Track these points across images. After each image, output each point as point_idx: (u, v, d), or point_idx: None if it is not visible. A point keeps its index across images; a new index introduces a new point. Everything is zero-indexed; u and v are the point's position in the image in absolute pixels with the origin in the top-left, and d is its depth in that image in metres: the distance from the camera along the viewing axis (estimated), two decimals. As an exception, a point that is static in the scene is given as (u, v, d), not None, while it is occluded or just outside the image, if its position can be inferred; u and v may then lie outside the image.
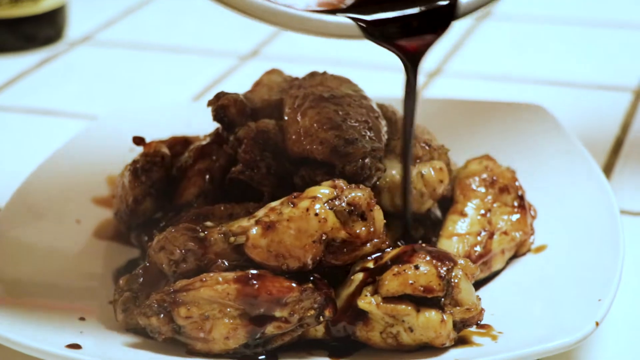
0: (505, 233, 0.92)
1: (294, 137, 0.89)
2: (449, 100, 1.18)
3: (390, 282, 0.80)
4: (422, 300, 0.80)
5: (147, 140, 0.97)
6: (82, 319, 0.87)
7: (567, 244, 0.92)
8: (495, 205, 0.94)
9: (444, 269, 0.80)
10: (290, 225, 0.81)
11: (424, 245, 0.84)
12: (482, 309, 0.82)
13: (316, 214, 0.81)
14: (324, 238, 0.81)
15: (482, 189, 0.94)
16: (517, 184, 0.96)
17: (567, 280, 0.87)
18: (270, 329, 0.81)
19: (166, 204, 0.94)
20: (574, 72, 1.41)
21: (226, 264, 0.82)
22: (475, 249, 0.91)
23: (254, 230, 0.82)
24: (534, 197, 0.98)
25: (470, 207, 0.93)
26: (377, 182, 0.88)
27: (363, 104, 0.90)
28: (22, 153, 1.24)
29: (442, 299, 0.80)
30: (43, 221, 0.99)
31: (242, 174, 0.89)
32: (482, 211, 0.93)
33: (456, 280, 0.81)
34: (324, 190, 0.82)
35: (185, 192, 0.93)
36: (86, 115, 1.31)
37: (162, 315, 0.82)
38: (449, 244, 0.91)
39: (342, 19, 0.82)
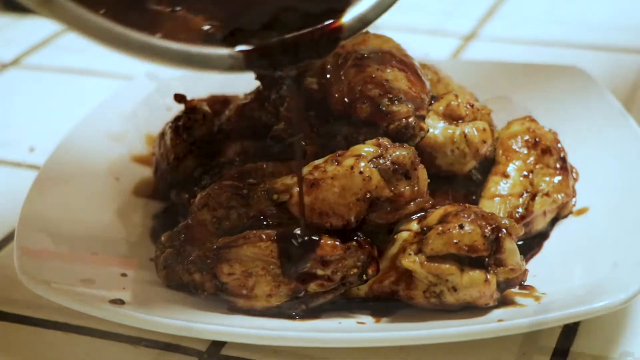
0: (547, 195, 0.92)
1: (336, 95, 0.88)
2: (488, 63, 1.17)
3: (435, 241, 0.80)
4: (466, 260, 0.80)
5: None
6: (123, 275, 0.87)
7: (609, 206, 0.92)
8: (537, 166, 0.93)
9: (489, 228, 0.80)
10: (334, 183, 0.81)
11: (468, 205, 0.83)
12: (526, 270, 0.82)
13: (360, 172, 0.81)
14: (368, 196, 0.81)
15: (525, 150, 0.94)
16: (559, 145, 0.95)
17: (609, 242, 0.87)
18: (312, 287, 0.81)
19: (207, 162, 0.94)
20: (612, 36, 1.39)
21: (269, 221, 0.82)
22: (517, 210, 0.90)
23: (298, 188, 0.81)
24: (575, 159, 0.97)
25: (512, 168, 0.93)
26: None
27: (406, 63, 0.90)
28: (58, 112, 1.23)
29: (487, 259, 0.80)
30: (83, 179, 0.99)
31: (284, 132, 0.89)
32: (525, 172, 0.92)
33: (500, 241, 0.80)
34: (368, 149, 0.82)
35: (227, 150, 0.93)
36: (121, 74, 1.31)
37: (205, 271, 0.82)
38: (491, 204, 0.90)
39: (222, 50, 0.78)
